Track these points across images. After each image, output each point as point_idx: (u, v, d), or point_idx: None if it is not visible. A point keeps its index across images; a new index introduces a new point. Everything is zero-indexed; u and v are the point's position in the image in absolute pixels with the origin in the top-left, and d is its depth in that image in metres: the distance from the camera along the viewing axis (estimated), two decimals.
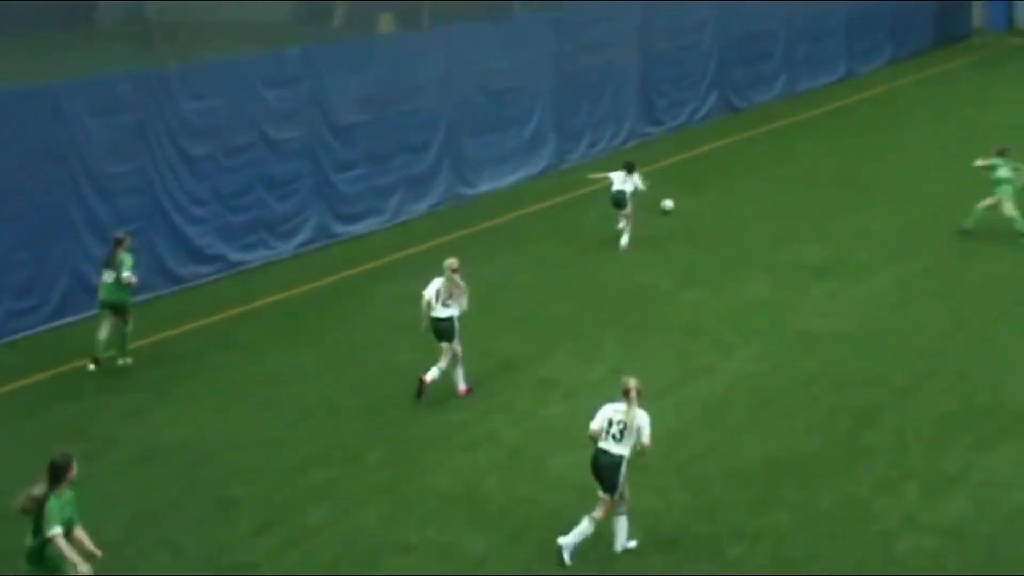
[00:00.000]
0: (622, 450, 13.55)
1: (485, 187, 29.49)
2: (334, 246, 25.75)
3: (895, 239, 24.72)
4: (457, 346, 17.88)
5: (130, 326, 19.49)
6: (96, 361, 19.28)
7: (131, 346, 19.63)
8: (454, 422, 17.19)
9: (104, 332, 19.33)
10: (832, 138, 34.47)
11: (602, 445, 13.62)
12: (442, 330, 17.84)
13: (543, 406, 17.70)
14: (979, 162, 24.90)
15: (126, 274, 19.08)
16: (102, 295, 19.38)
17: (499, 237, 26.23)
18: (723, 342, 19.70)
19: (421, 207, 27.90)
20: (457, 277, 17.82)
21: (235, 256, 24.14)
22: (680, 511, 14.63)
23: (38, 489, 11.78)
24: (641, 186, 25.39)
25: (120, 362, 19.51)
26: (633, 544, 13.89)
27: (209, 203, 23.74)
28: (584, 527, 13.62)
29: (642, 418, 13.55)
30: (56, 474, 11.82)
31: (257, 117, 24.66)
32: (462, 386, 18.12)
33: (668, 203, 24.94)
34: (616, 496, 13.67)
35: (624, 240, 25.13)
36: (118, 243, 19.41)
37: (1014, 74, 43.83)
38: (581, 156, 32.18)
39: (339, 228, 26.21)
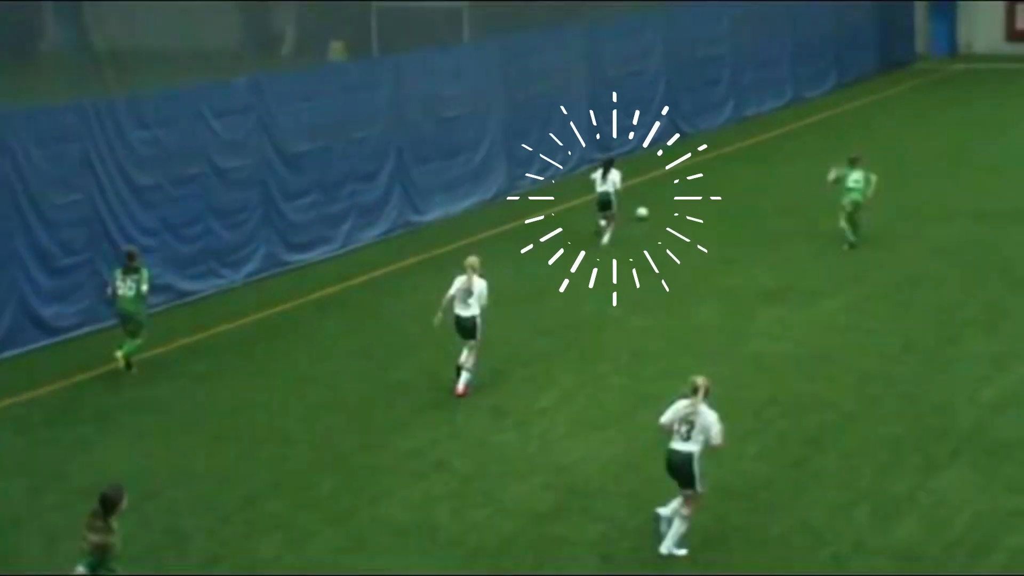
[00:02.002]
0: (691, 447, 13.82)
1: (436, 214, 29.50)
2: (284, 275, 25.66)
3: (842, 263, 24.89)
4: (478, 344, 18.72)
5: (140, 339, 20.22)
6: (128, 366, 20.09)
7: (80, 377, 19.47)
8: (405, 450, 17.15)
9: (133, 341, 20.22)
10: (779, 163, 34.72)
11: (672, 444, 13.95)
12: (467, 328, 18.75)
13: (495, 433, 17.68)
14: (832, 174, 25.83)
15: (145, 287, 20.10)
16: (120, 306, 20.25)
17: (450, 264, 26.04)
18: (673, 368, 19.71)
19: (371, 235, 27.88)
20: (476, 276, 18.69)
21: (184, 286, 24.00)
22: (633, 536, 14.63)
23: (99, 524, 11.94)
24: (618, 185, 26.55)
25: (131, 371, 20.19)
26: (682, 552, 13.98)
27: (157, 233, 23.61)
28: (677, 528, 13.93)
29: (708, 417, 13.83)
30: (109, 507, 11.99)
31: (205, 146, 24.59)
32: (461, 387, 18.70)
33: (642, 211, 26.45)
34: (694, 492, 13.89)
35: (606, 238, 26.23)
36: (131, 257, 20.33)
37: (956, 99, 44.31)
38: (532, 182, 32.25)
39: (289, 257, 26.13)
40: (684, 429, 13.89)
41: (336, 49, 51.12)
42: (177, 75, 35.48)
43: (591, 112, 34.56)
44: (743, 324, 21.69)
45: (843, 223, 25.55)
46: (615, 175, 26.82)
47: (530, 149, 32.17)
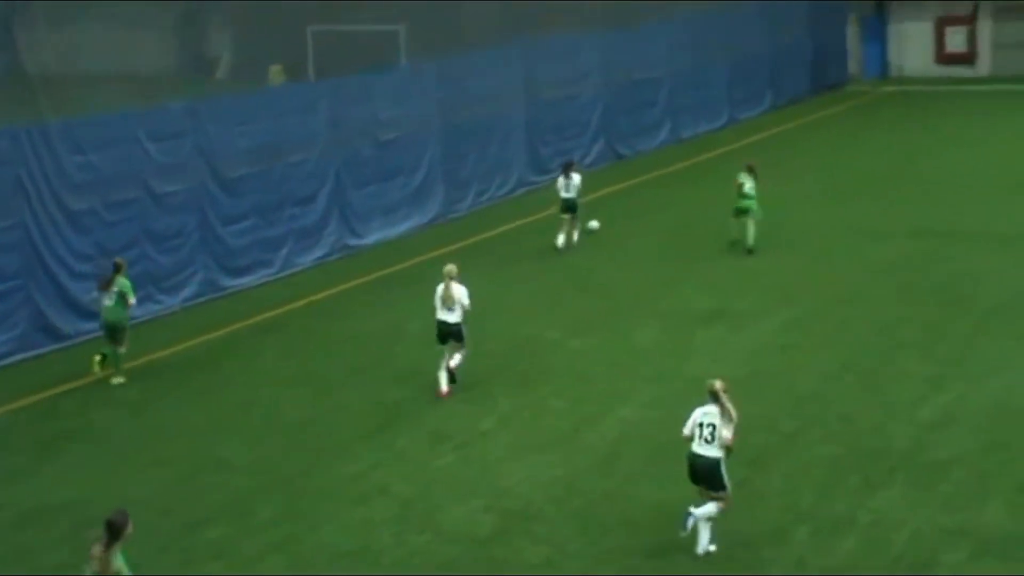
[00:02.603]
0: (716, 452, 14.26)
1: (374, 237, 29.45)
2: (222, 300, 25.50)
3: (780, 284, 25.06)
4: (465, 349, 19.57)
5: (124, 348, 20.81)
6: (104, 356, 20.79)
7: (14, 405, 19.23)
8: (347, 475, 17.06)
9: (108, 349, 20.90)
10: (715, 185, 34.87)
11: (696, 449, 14.31)
12: (451, 333, 19.62)
13: (435, 457, 17.64)
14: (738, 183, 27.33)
15: (132, 299, 20.80)
16: (104, 317, 20.88)
17: (389, 287, 26.18)
18: (613, 390, 19.80)
19: (310, 259, 27.79)
20: (455, 284, 19.44)
21: None
22: (577, 559, 14.62)
23: (98, 550, 11.80)
24: (579, 186, 27.79)
25: (115, 381, 20.70)
26: (714, 548, 14.41)
27: (93, 258, 23.38)
28: (708, 509, 14.35)
29: (718, 418, 14.28)
30: (115, 532, 11.89)
31: (141, 171, 24.43)
32: (444, 387, 19.49)
33: (594, 223, 27.68)
34: (724, 494, 14.33)
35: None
36: (117, 268, 20.96)
37: (888, 120, 44.83)
38: (470, 205, 32.30)
39: (227, 281, 25.97)
40: (708, 432, 14.30)
41: (275, 72, 50.98)
42: (112, 100, 35.24)
43: (529, 134, 34.67)
44: (682, 345, 21.78)
45: (738, 228, 27.02)
46: (576, 179, 27.85)
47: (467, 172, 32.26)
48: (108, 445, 18.46)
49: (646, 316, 23.43)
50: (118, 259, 21.50)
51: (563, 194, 27.98)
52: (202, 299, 25.24)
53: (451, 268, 19.83)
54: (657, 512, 15.62)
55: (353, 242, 28.97)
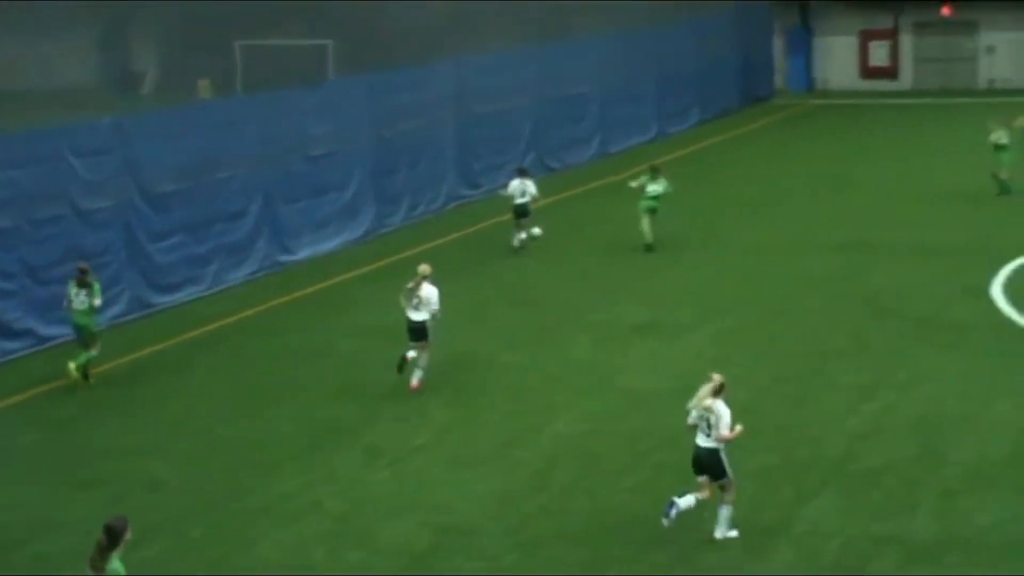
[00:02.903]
0: (712, 443, 14.84)
1: (305, 253, 29.29)
2: (151, 317, 25.24)
3: (711, 296, 25.21)
4: (428, 346, 20.22)
5: (95, 350, 21.28)
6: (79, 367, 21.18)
7: None
8: (280, 493, 16.92)
9: (91, 351, 21.35)
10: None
11: (698, 441, 14.94)
12: (417, 331, 20.18)
13: (369, 473, 17.54)
14: (635, 183, 28.67)
15: (97, 301, 21.25)
16: (74, 320, 21.34)
17: (320, 303, 26.05)
18: (548, 403, 19.80)
19: (240, 275, 27.58)
20: (427, 283, 20.10)
21: (45, 331, 23.40)
22: (513, 573, 14.58)
23: (96, 554, 11.83)
24: (535, 192, 28.87)
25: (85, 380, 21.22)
26: (734, 534, 14.97)
27: (16, 276, 23.06)
28: (688, 500, 14.93)
29: (720, 410, 14.77)
30: (113, 538, 11.92)
31: (66, 187, 24.12)
32: (415, 381, 20.19)
33: (536, 230, 28.57)
34: (727, 480, 14.93)
35: (536, 231, 28.68)
36: (84, 272, 21.34)
37: (814, 133, 45.35)
38: (401, 220, 32.25)
39: (156, 299, 25.72)
40: (706, 425, 14.88)
41: (203, 87, 50.60)
42: (35, 115, 34.81)
43: (459, 149, 34.68)
44: (616, 358, 21.83)
45: (643, 226, 28.37)
46: (530, 185, 28.92)
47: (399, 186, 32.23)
48: (36, 466, 18.19)
49: (579, 329, 23.47)
50: (82, 264, 21.80)
51: (516, 200, 28.93)
52: (130, 317, 24.96)
53: (424, 268, 20.41)
54: (592, 525, 15.63)
55: (284, 258, 28.80)
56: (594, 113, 40.82)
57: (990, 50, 54.39)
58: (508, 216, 30.21)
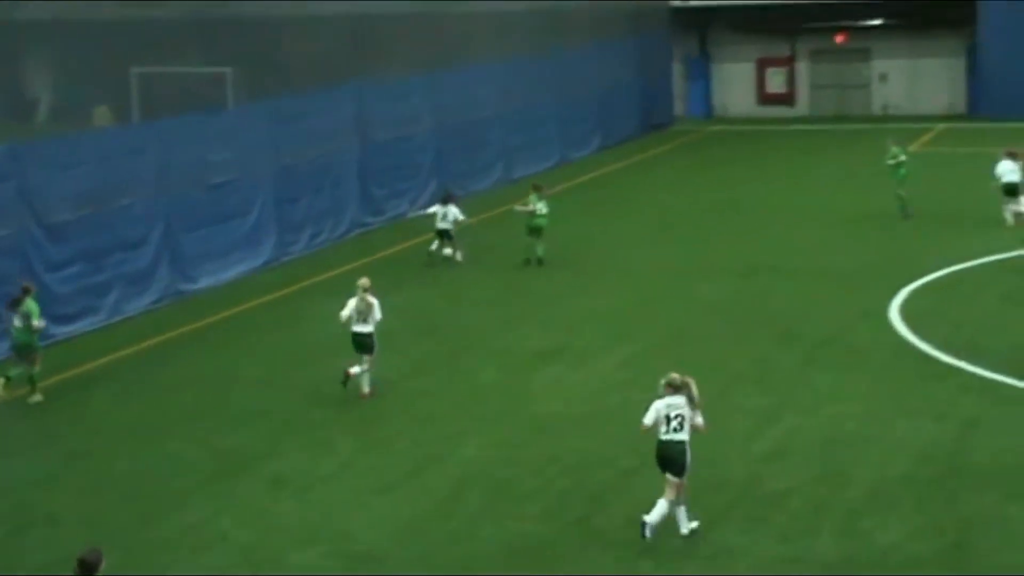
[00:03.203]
0: (684, 436, 15.48)
1: (206, 282, 28.99)
2: (48, 348, 24.73)
3: (616, 321, 25.34)
4: (374, 356, 21.09)
5: (37, 366, 21.76)
6: (8, 379, 21.75)
7: None
8: (185, 524, 16.69)
9: (13, 369, 21.93)
10: (548, 223, 35.19)
11: (665, 437, 15.48)
12: (364, 344, 20.99)
13: (276, 502, 17.36)
14: (519, 207, 29.74)
15: (36, 323, 21.55)
16: (14, 338, 21.90)
17: (224, 332, 25.79)
18: (454, 430, 19.75)
19: (141, 304, 27.21)
20: (369, 296, 20.76)
21: None
22: None
23: None
24: (460, 216, 29.61)
25: (32, 399, 21.58)
26: (695, 524, 15.62)
27: None
28: (662, 507, 15.37)
29: (686, 408, 15.57)
30: (87, 570, 12.07)
31: None
32: (367, 388, 21.06)
33: (458, 256, 29.25)
34: (684, 478, 15.42)
35: (458, 257, 29.68)
36: (25, 291, 21.85)
37: (713, 159, 45.88)
38: (303, 248, 32.06)
39: (52, 329, 25.16)
40: (677, 422, 15.47)
41: (101, 114, 49.84)
42: None
43: (362, 176, 34.57)
44: (522, 384, 21.84)
45: (529, 250, 29.45)
46: (453, 210, 29.62)
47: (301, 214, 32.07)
48: None
49: (485, 356, 23.47)
50: (26, 283, 22.32)
51: (439, 224, 29.84)
52: None
53: (364, 281, 21.10)
54: (499, 552, 15.60)
55: (185, 287, 28.48)
56: (496, 139, 40.94)
57: (883, 77, 55.46)
58: (413, 242, 30.24)
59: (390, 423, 20.24)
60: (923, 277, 27.40)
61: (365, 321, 20.84)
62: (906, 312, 24.95)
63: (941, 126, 47.98)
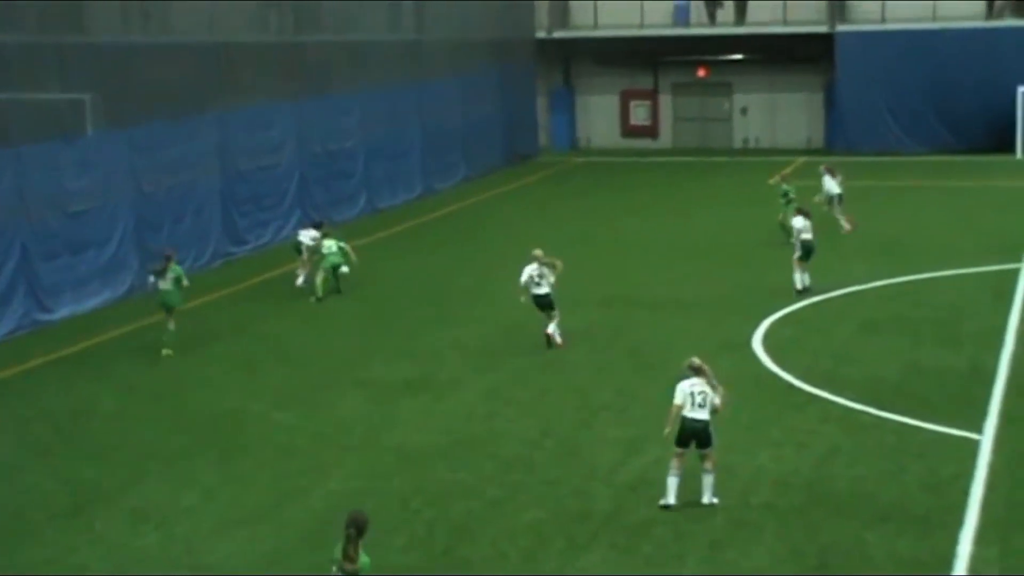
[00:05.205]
0: (707, 415, 17.12)
1: (65, 312, 28.40)
2: None
3: (480, 351, 25.36)
4: (557, 311, 24.95)
5: (172, 324, 25.03)
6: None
7: None
8: (39, 560, 16.28)
9: (171, 325, 25.16)
10: (413, 253, 35.23)
11: (691, 415, 17.12)
12: (544, 303, 24.80)
13: (136, 536, 17.01)
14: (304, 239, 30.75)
15: (185, 283, 25.36)
16: (159, 298, 25.35)
17: (81, 363, 25.28)
18: (318, 462, 19.56)
19: None
20: (543, 263, 24.66)
21: None
22: None
23: (349, 547, 12.64)
24: (311, 243, 30.36)
25: (165, 352, 24.96)
26: (717, 501, 17.24)
27: None
28: (709, 481, 17.32)
29: (707, 386, 17.19)
30: (362, 529, 12.82)
31: None
32: (559, 340, 24.89)
33: (345, 269, 29.46)
34: (713, 448, 17.22)
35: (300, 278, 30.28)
36: (168, 258, 25.29)
37: (577, 190, 46.23)
38: None
39: None
40: (700, 399, 17.07)
41: None
42: None
43: (225, 205, 34.21)
44: (386, 415, 21.73)
45: (320, 281, 29.64)
46: (314, 233, 30.56)
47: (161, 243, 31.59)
48: None
49: (349, 386, 23.32)
50: (168, 250, 25.86)
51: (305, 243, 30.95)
52: None
53: (538, 252, 24.97)
54: None
55: (42, 317, 27.87)
56: (359, 169, 40.81)
57: (744, 111, 56.48)
58: (277, 272, 29.99)
59: (253, 455, 19.98)
60: (784, 308, 27.88)
61: (540, 284, 24.59)
62: (768, 343, 25.36)
63: (800, 159, 48.97)
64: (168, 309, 25.27)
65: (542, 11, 55.33)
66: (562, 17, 57.12)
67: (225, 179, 34.32)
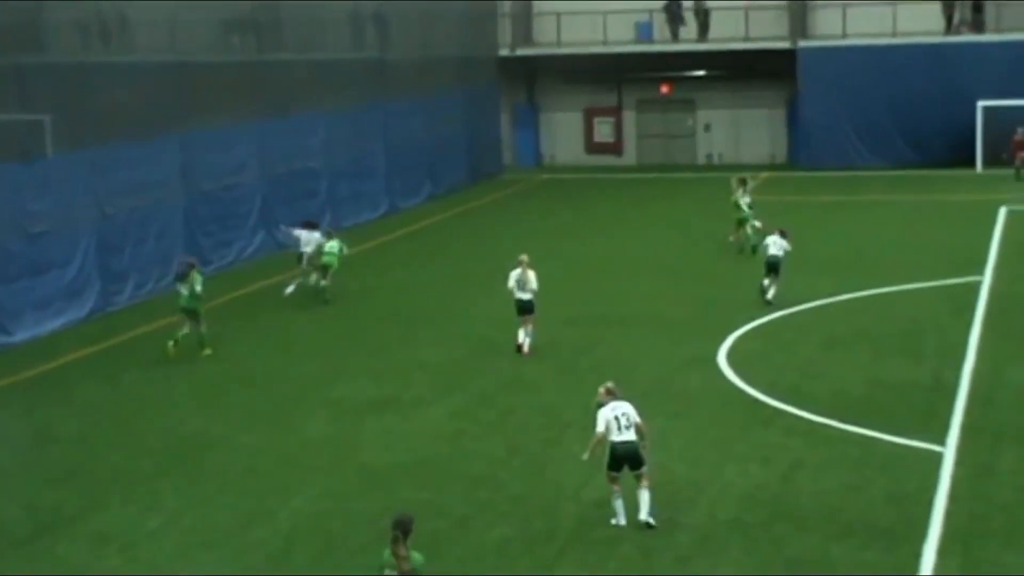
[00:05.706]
0: (633, 435, 17.00)
1: (25, 334, 28.17)
2: None
3: (446, 370, 25.30)
4: (533, 319, 25.77)
5: (203, 327, 26.22)
6: (176, 342, 26.13)
7: None
8: None
9: (185, 329, 26.24)
10: (377, 272, 35.15)
11: (619, 438, 16.94)
12: (525, 308, 25.67)
13: (98, 560, 16.87)
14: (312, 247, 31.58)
15: (198, 288, 25.93)
16: (181, 303, 26.22)
17: (43, 386, 25.07)
18: (284, 483, 19.45)
19: None
20: (527, 269, 25.66)
21: None
22: None
23: (398, 548, 12.85)
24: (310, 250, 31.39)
25: (206, 352, 26.18)
26: (653, 521, 16.99)
27: None
28: (647, 498, 17.10)
29: (632, 409, 17.12)
30: (407, 530, 12.98)
31: None
32: (527, 349, 25.64)
33: (290, 288, 30.35)
34: (645, 468, 17.07)
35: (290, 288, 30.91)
36: (190, 266, 26.32)
37: (542, 207, 46.26)
38: (128, 298, 31.40)
39: None
40: (625, 421, 16.94)
41: None
42: None
43: (188, 225, 34.04)
44: (352, 435, 21.63)
45: (317, 279, 30.76)
46: (317, 236, 31.71)
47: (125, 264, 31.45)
48: None
49: (314, 407, 23.20)
50: (190, 258, 27.14)
51: (301, 248, 32.02)
52: None
53: (524, 257, 26.00)
54: None
55: (2, 339, 27.64)
56: (323, 189, 40.71)
57: (707, 127, 56.68)
58: (243, 292, 29.80)
59: (217, 477, 19.84)
60: (749, 323, 27.94)
61: (523, 289, 25.40)
62: (733, 358, 25.39)
63: (764, 175, 49.15)
64: (193, 314, 26.13)
65: (505, 29, 55.42)
66: (525, 35, 57.26)
67: (188, 200, 34.17)
